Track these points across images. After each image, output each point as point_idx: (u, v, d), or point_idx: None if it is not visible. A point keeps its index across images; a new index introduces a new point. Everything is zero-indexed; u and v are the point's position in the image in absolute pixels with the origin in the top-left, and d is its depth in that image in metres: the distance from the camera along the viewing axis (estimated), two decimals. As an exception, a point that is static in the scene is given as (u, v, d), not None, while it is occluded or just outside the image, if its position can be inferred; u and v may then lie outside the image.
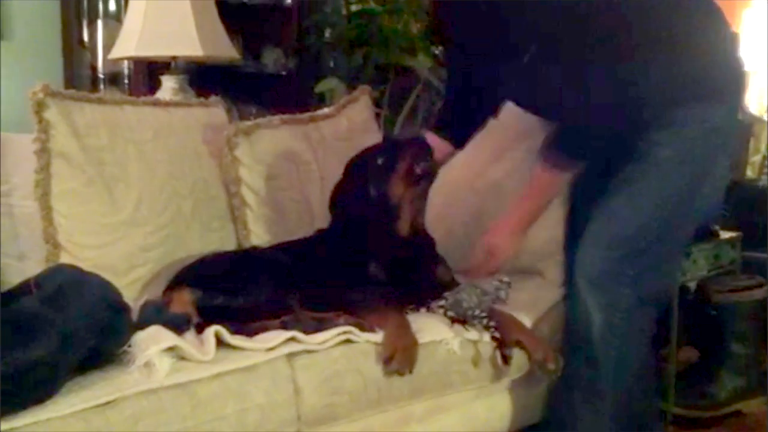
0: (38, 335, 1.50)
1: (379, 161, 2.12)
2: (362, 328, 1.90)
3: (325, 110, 2.78)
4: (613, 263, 1.97)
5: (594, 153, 1.92)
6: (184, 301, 1.96)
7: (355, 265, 2.11)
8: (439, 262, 2.22)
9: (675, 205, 1.95)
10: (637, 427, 2.22)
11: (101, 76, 3.76)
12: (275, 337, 1.83)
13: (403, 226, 2.12)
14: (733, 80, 1.98)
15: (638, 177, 1.93)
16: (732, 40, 2.00)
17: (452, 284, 2.16)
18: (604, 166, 1.96)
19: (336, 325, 1.89)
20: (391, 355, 1.86)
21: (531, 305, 2.23)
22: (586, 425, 2.06)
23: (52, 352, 1.50)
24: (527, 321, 2.15)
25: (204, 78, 3.63)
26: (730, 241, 2.85)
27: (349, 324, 1.90)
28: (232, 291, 1.98)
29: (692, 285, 2.69)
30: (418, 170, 2.08)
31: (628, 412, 2.09)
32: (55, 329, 1.52)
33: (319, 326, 1.89)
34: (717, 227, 2.82)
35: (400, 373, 1.86)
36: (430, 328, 2.01)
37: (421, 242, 2.19)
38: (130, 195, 2.19)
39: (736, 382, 2.76)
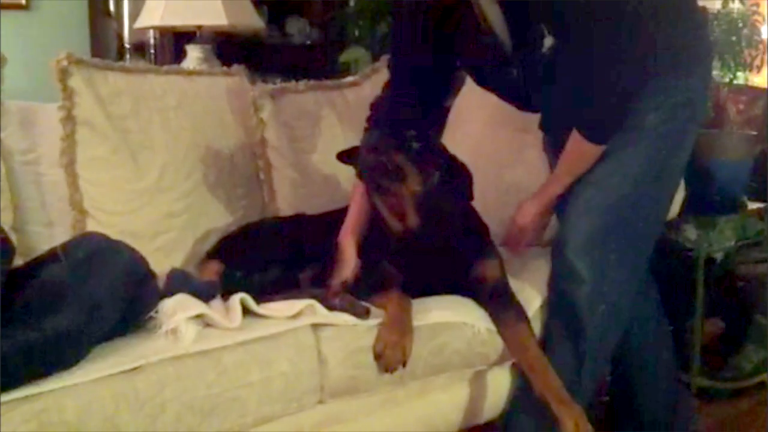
0: (65, 305, 1.51)
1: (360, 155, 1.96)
2: (356, 314, 1.86)
3: (350, 78, 2.78)
4: (601, 230, 1.99)
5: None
6: (212, 273, 2.04)
7: (369, 258, 2.06)
8: (483, 257, 2.06)
9: (658, 171, 1.99)
10: (666, 403, 2.23)
11: (127, 45, 3.78)
12: (294, 305, 1.83)
13: (392, 226, 1.99)
14: (703, 54, 2.04)
15: (624, 145, 1.95)
16: (701, 18, 2.07)
17: (500, 281, 2.06)
18: None
19: (331, 306, 1.87)
20: (380, 352, 1.82)
21: (540, 285, 2.17)
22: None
23: (78, 322, 1.51)
24: (538, 299, 2.13)
25: (229, 48, 3.64)
26: (757, 213, 2.81)
27: (344, 309, 1.87)
28: (250, 267, 2.01)
29: (719, 256, 2.66)
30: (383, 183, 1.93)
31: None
32: (82, 299, 1.53)
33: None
34: (744, 198, 2.79)
35: (390, 372, 1.82)
36: (460, 308, 2.01)
37: (445, 237, 2.01)
38: (154, 162, 2.21)
39: (761, 354, 2.74)
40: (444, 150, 2.07)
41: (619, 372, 2.28)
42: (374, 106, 2.20)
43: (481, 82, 2.17)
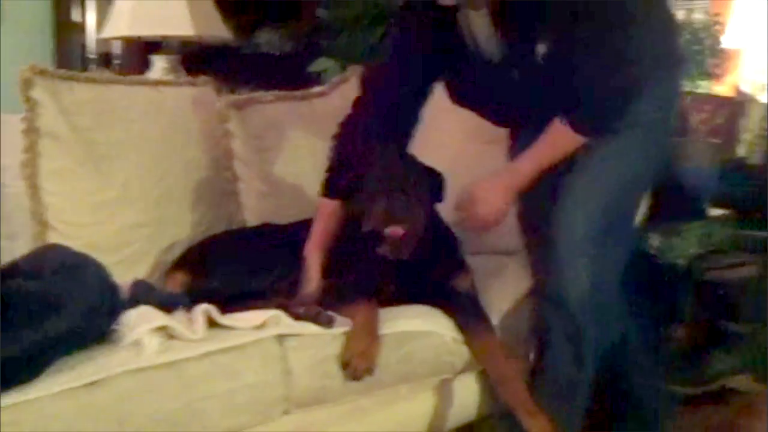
0: (62, 307, 1.53)
1: (363, 188, 1.95)
2: (321, 323, 1.87)
3: (318, 89, 2.78)
4: (597, 231, 1.97)
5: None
6: (177, 284, 2.03)
7: (338, 268, 2.06)
8: (455, 269, 2.08)
9: (648, 171, 2.04)
10: (643, 406, 2.24)
11: (92, 56, 3.75)
12: (259, 315, 1.83)
13: (384, 249, 1.95)
14: (681, 52, 2.13)
15: (618, 146, 1.95)
16: (676, 23, 2.13)
17: (469, 293, 2.07)
18: None
19: (296, 315, 1.87)
20: (347, 361, 1.83)
21: (506, 292, 2.21)
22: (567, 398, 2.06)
23: (77, 323, 1.55)
24: (504, 307, 2.15)
25: (197, 58, 3.62)
26: (721, 219, 2.85)
27: (309, 318, 1.87)
28: (215, 278, 2.01)
29: (683, 263, 2.69)
30: (387, 231, 1.90)
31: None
32: (77, 302, 1.56)
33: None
34: (708, 206, 2.82)
35: (357, 380, 1.83)
36: (427, 317, 2.02)
37: (419, 250, 1.98)
38: (119, 174, 2.20)
39: (726, 359, 2.77)
40: (414, 160, 2.05)
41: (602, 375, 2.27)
42: (344, 125, 2.17)
43: (460, 96, 2.16)
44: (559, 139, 1.94)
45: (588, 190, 1.98)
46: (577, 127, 1.91)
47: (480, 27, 1.95)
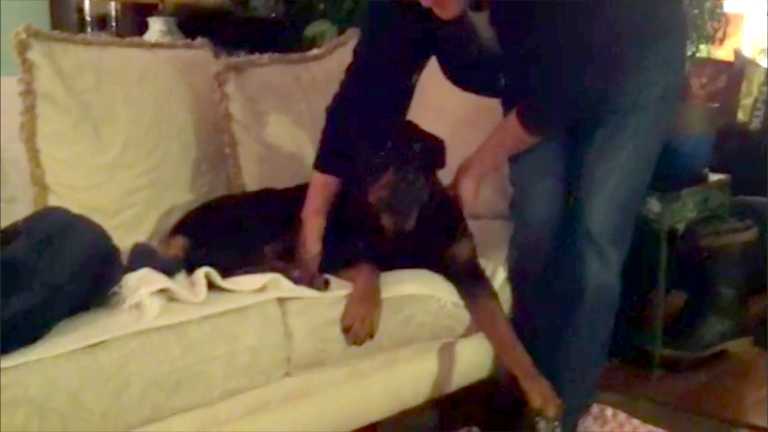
0: (23, 286, 1.50)
1: (368, 159, 1.91)
2: (315, 286, 1.87)
3: (315, 52, 2.76)
4: (627, 219, 2.04)
5: (570, 119, 1.98)
6: (176, 248, 2.02)
7: (338, 234, 2.05)
8: (455, 240, 2.08)
9: (661, 140, 2.05)
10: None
11: (88, 18, 3.70)
12: (260, 278, 1.83)
13: (386, 224, 1.95)
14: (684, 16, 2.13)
15: (637, 125, 1.97)
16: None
17: (471, 261, 2.08)
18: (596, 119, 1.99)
19: (292, 279, 1.86)
20: (349, 325, 1.83)
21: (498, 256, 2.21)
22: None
23: (36, 303, 1.50)
24: (502, 274, 2.17)
25: (192, 23, 3.58)
26: (718, 185, 2.85)
27: (302, 281, 1.87)
28: (215, 242, 2.00)
29: (681, 228, 2.70)
30: (395, 201, 1.90)
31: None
32: (42, 280, 1.52)
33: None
34: (707, 171, 2.82)
35: (358, 344, 1.84)
36: (427, 281, 2.02)
37: (421, 221, 1.97)
38: (116, 137, 2.19)
39: (723, 323, 2.79)
40: (417, 129, 2.02)
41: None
42: (338, 98, 2.15)
43: (451, 75, 2.13)
44: (509, 132, 1.98)
45: (616, 184, 1.99)
46: (523, 122, 1.93)
47: (480, 25, 1.94)
